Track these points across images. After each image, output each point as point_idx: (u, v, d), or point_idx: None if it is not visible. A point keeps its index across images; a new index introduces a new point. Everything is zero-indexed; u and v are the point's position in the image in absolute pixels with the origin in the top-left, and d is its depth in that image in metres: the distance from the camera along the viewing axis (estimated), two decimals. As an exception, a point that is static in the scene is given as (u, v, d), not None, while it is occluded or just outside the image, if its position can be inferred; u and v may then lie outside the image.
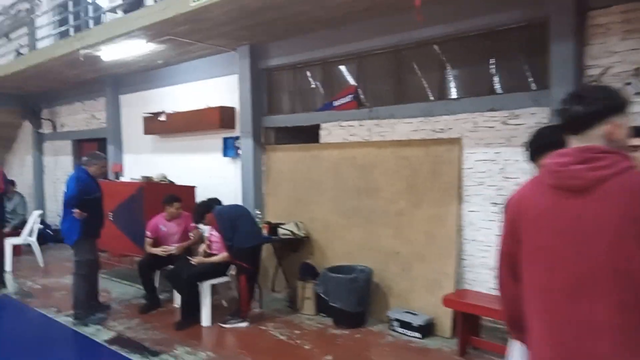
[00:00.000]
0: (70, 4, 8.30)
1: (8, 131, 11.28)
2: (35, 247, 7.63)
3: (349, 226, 5.28)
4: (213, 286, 4.98)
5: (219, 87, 6.82)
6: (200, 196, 6.29)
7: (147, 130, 7.69)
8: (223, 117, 6.51)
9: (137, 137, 8.14)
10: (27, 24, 9.51)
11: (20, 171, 11.42)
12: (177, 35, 5.66)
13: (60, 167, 10.29)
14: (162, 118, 7.31)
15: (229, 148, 6.68)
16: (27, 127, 11.01)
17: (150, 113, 7.55)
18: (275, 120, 6.18)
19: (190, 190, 6.20)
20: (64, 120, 10.13)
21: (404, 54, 4.96)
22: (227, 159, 6.76)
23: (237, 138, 6.54)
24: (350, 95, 5.38)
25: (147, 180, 5.90)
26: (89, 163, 4.95)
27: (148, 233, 5.42)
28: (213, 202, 5.08)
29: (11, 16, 10.39)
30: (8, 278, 6.82)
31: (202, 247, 5.20)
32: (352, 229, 5.26)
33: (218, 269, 4.97)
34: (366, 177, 5.16)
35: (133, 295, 5.96)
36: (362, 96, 5.34)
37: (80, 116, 9.67)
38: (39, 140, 10.71)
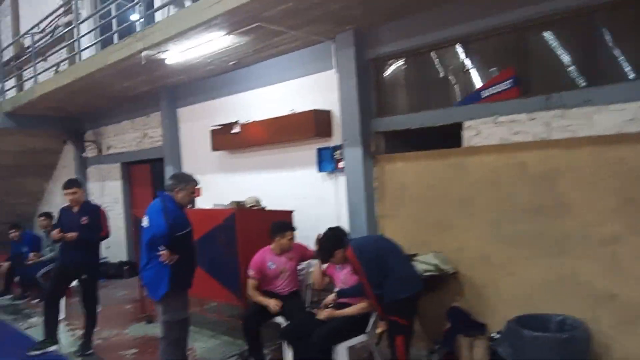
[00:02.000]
0: (113, 7, 7.14)
1: (47, 157, 10.32)
2: (91, 290, 6.42)
3: (524, 258, 3.87)
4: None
5: (306, 87, 5.56)
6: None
7: (216, 146, 6.48)
8: (317, 123, 5.26)
9: (201, 155, 6.95)
10: (65, 39, 8.52)
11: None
12: (270, 20, 4.44)
13: (107, 193, 9.19)
14: (236, 130, 6.10)
15: (326, 161, 5.39)
16: (68, 151, 10.04)
17: (219, 125, 6.34)
18: (391, 122, 4.86)
19: (286, 215, 4.89)
20: (111, 142, 9.05)
21: (599, 16, 3.59)
22: (322, 174, 5.48)
23: (336, 148, 5.26)
24: (508, 81, 4.02)
25: (239, 206, 4.60)
26: (176, 188, 3.69)
27: (252, 272, 4.13)
28: (341, 234, 3.75)
29: (48, 33, 9.48)
30: (61, 329, 5.62)
31: (331, 297, 3.85)
32: (529, 263, 3.85)
33: (355, 325, 3.63)
34: (547, 191, 3.76)
35: (223, 354, 4.68)
36: (527, 80, 3.98)
37: (130, 136, 8.56)
38: (83, 165, 9.69)
